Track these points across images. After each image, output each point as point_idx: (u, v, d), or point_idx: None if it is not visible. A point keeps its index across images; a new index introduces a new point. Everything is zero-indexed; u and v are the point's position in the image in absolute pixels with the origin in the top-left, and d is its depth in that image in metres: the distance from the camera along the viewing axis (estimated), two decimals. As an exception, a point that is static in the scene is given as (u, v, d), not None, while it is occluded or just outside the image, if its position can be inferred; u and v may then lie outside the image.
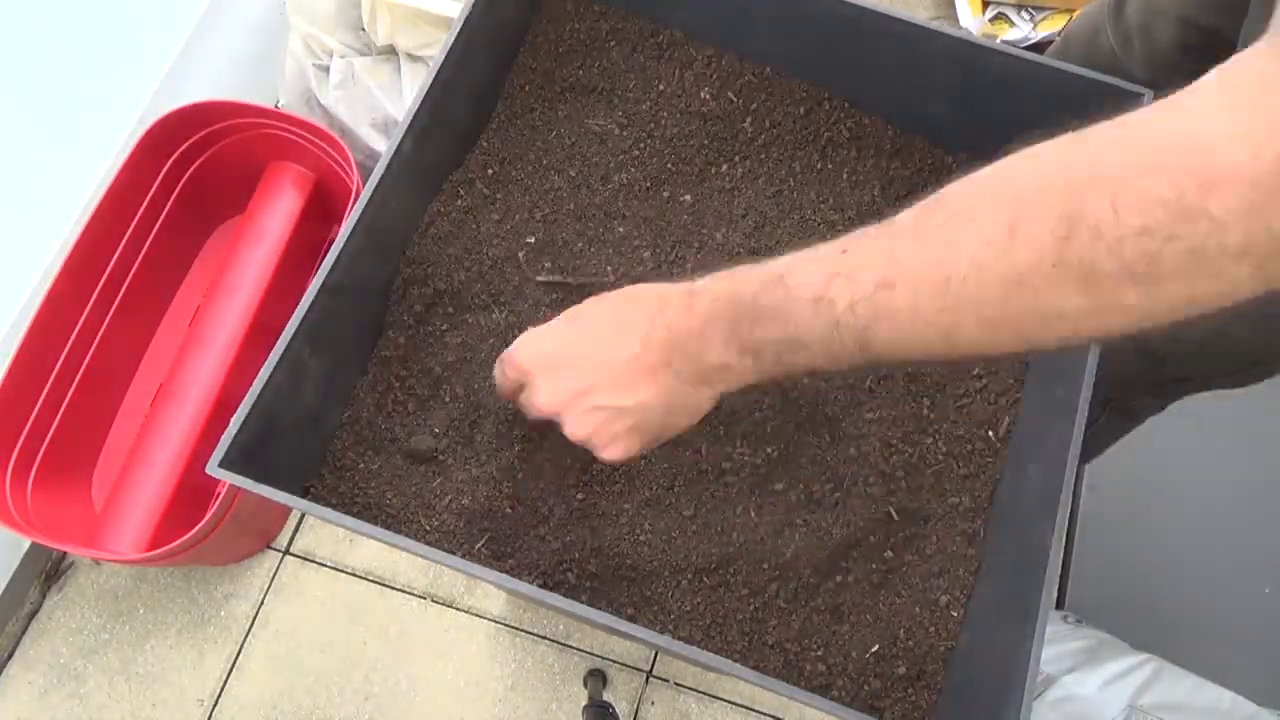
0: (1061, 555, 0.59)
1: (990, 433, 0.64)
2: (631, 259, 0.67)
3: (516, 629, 1.21)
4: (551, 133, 0.71)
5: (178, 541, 0.94)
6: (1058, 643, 1.01)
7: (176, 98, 1.13)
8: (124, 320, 1.11)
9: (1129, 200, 0.30)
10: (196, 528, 0.95)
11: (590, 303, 0.49)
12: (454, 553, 0.57)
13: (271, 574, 1.23)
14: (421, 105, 0.60)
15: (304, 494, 0.60)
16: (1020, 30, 1.54)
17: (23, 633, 1.19)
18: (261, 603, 1.21)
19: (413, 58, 1.24)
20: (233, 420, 0.51)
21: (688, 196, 0.70)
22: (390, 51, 1.26)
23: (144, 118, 1.13)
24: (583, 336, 0.48)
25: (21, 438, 1.02)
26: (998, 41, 1.46)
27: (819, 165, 0.71)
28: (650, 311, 0.45)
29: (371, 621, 1.21)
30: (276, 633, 1.20)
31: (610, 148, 0.70)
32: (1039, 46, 1.52)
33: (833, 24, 0.65)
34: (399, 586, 1.22)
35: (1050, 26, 1.54)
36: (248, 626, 1.20)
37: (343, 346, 0.60)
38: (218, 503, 0.96)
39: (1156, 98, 0.60)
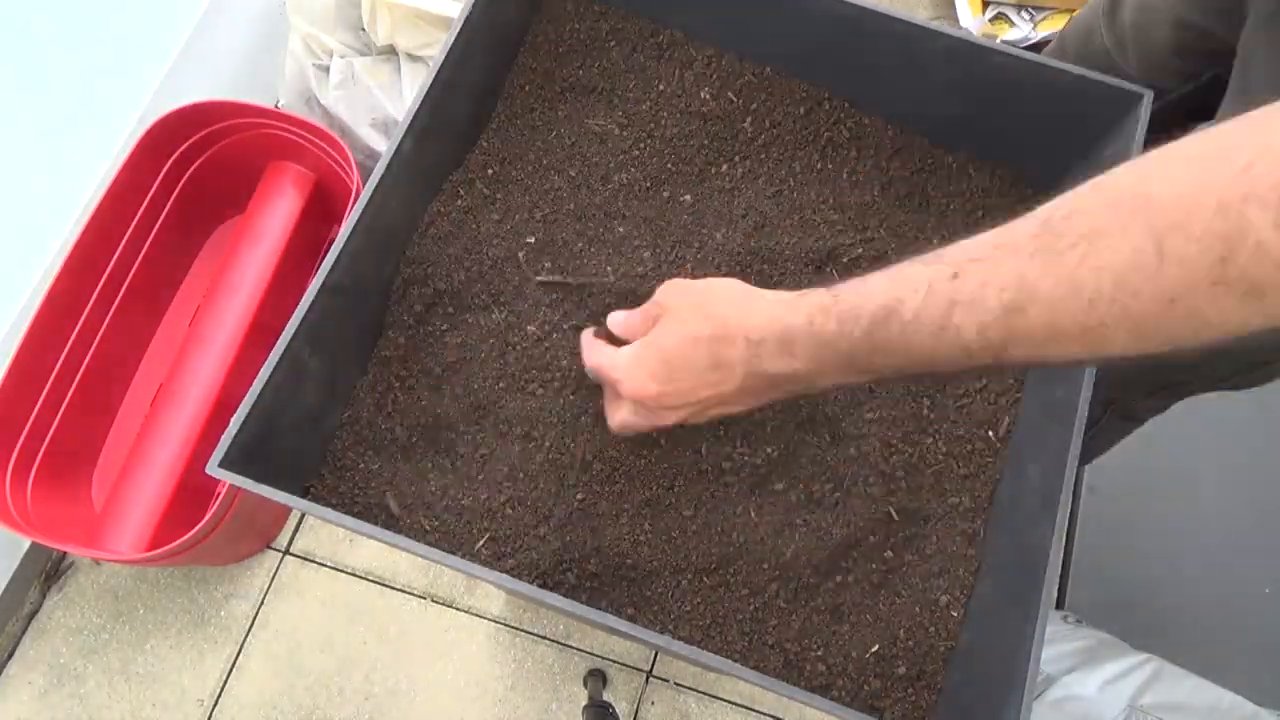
0: (1061, 555, 0.59)
1: (990, 433, 0.64)
2: (631, 259, 0.67)
3: (516, 629, 1.21)
4: (551, 133, 0.71)
5: (178, 541, 0.94)
6: (1058, 643, 1.01)
7: (176, 98, 1.13)
8: (124, 320, 1.11)
9: None
10: (196, 528, 0.95)
11: (679, 338, 0.50)
12: (454, 553, 0.57)
13: (271, 574, 1.23)
14: (421, 105, 0.60)
15: (304, 494, 0.60)
16: (1020, 30, 1.54)
17: (23, 633, 1.19)
18: (261, 603, 1.21)
19: (413, 58, 1.24)
20: (233, 420, 0.51)
21: (688, 196, 0.70)
22: (390, 51, 1.26)
23: (144, 118, 1.13)
24: (682, 380, 0.50)
25: (21, 438, 1.02)
26: (998, 41, 1.46)
27: (819, 165, 0.71)
28: (745, 357, 0.47)
29: (371, 621, 1.21)
30: (276, 633, 1.20)
31: (610, 148, 0.70)
32: (1039, 46, 1.52)
33: (833, 24, 0.65)
34: (399, 586, 1.22)
35: (1050, 26, 1.54)
36: (248, 626, 1.20)
37: (343, 346, 0.60)
38: (218, 503, 0.97)
39: (1155, 99, 0.60)
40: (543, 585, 0.57)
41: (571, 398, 0.62)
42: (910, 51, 0.64)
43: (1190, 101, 0.76)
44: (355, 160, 1.12)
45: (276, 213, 1.17)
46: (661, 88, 0.71)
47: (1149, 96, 0.60)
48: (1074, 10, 1.53)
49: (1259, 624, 1.22)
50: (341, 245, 0.56)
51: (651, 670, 1.19)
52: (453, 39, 0.61)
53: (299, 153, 1.16)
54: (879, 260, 0.67)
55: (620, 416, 0.54)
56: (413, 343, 0.64)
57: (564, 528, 0.59)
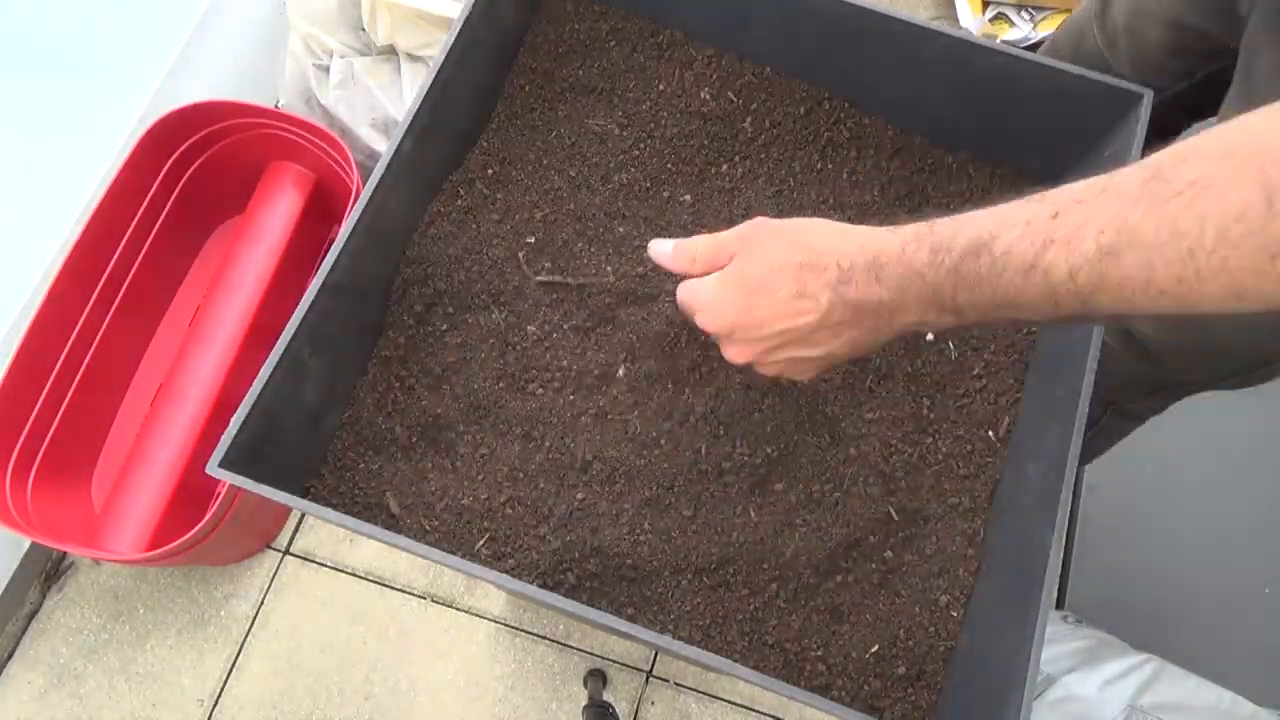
0: (1061, 555, 0.59)
1: (990, 433, 0.64)
2: (631, 259, 0.67)
3: (516, 629, 1.21)
4: (551, 133, 0.71)
5: (178, 541, 0.94)
6: (1058, 643, 1.01)
7: (176, 98, 1.13)
8: (124, 320, 1.11)
9: None
10: (196, 528, 0.95)
11: (758, 258, 0.49)
12: (454, 553, 0.57)
13: (271, 574, 1.23)
14: (421, 105, 0.60)
15: (304, 494, 0.60)
16: (1020, 30, 1.54)
17: (23, 633, 1.19)
18: (261, 603, 1.21)
19: (413, 58, 1.24)
20: (233, 420, 0.51)
21: (688, 196, 0.70)
22: (390, 51, 1.26)
23: (144, 118, 1.13)
24: (763, 309, 0.48)
25: (21, 438, 1.02)
26: (998, 41, 1.46)
27: (819, 165, 0.71)
28: (830, 282, 0.45)
29: (371, 621, 1.21)
30: (276, 633, 1.20)
31: (610, 148, 0.70)
32: (1038, 46, 1.52)
33: (833, 24, 0.65)
34: (399, 586, 1.22)
35: (1050, 26, 1.54)
36: (248, 626, 1.20)
37: (343, 346, 0.60)
38: (218, 503, 0.97)
39: (1155, 99, 0.60)
40: (543, 585, 0.57)
41: (571, 398, 0.62)
42: (910, 51, 0.64)
43: (1185, 99, 0.76)
44: (355, 160, 1.12)
45: (276, 213, 1.17)
46: (661, 88, 0.71)
47: (1149, 95, 0.60)
48: (1072, 10, 1.53)
49: (1259, 624, 1.22)
50: (341, 245, 0.56)
51: (651, 670, 1.19)
52: (453, 39, 0.61)
53: (299, 153, 1.16)
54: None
55: (721, 350, 0.52)
56: (413, 343, 0.64)
57: (564, 528, 0.59)
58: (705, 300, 0.50)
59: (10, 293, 1.06)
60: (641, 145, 0.70)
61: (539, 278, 0.66)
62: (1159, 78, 0.74)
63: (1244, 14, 0.62)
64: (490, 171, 0.69)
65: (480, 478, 0.61)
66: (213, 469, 0.50)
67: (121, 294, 1.10)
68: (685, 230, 0.68)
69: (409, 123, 0.59)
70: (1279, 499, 1.28)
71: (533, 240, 0.67)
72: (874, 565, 0.61)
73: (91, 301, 1.07)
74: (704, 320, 0.51)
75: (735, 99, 0.71)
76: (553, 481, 0.61)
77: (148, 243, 1.12)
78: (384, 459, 0.62)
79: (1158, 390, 0.88)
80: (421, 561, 1.15)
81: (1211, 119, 0.73)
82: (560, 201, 0.69)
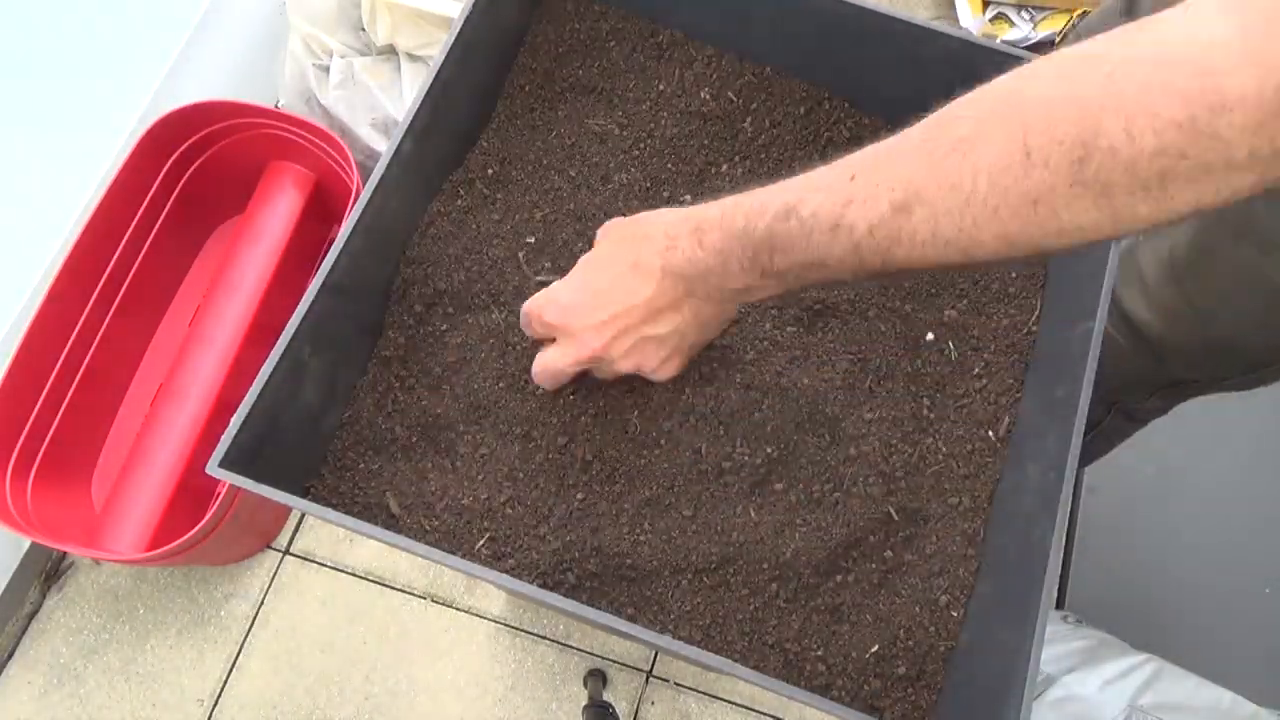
0: (1061, 555, 0.59)
1: (990, 433, 0.64)
2: (631, 259, 0.67)
3: (516, 629, 1.21)
4: (551, 133, 0.71)
5: (178, 541, 0.94)
6: (1058, 643, 1.01)
7: (176, 98, 1.13)
8: (124, 320, 1.11)
9: (1143, 124, 0.32)
10: (196, 528, 0.95)
11: (601, 245, 0.52)
12: (454, 553, 0.57)
13: (271, 574, 1.23)
14: (421, 105, 0.60)
15: (304, 494, 0.60)
16: (1020, 30, 1.54)
17: (23, 633, 1.19)
18: (261, 603, 1.21)
19: (413, 58, 1.24)
20: (233, 420, 0.51)
21: (688, 196, 0.70)
22: (390, 51, 1.26)
23: (144, 118, 1.13)
24: (601, 282, 0.51)
25: (21, 438, 1.02)
26: (998, 41, 1.46)
27: (819, 165, 0.71)
28: (660, 249, 0.49)
29: (371, 621, 1.21)
30: (276, 633, 1.20)
31: (610, 148, 0.70)
32: (1039, 46, 1.52)
33: (833, 24, 0.65)
34: (399, 586, 1.22)
35: (1050, 26, 1.54)
36: (248, 626, 1.20)
37: (343, 346, 0.60)
38: (218, 503, 0.97)
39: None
40: (543, 585, 0.57)
41: (571, 398, 0.62)
42: (910, 51, 0.64)
43: None
44: (355, 160, 1.12)
45: (276, 213, 1.17)
46: (661, 88, 0.71)
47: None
48: (1074, 10, 1.54)
49: (1259, 624, 1.22)
50: (341, 245, 0.56)
51: (651, 670, 1.19)
52: (453, 39, 0.61)
53: (299, 153, 1.16)
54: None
55: (543, 359, 0.55)
56: (413, 343, 0.64)
57: (564, 528, 0.59)
58: (547, 293, 0.53)
59: (10, 293, 1.06)
60: (641, 145, 0.70)
61: (539, 278, 0.66)
62: None
63: None
64: (490, 171, 0.69)
65: (480, 478, 0.61)
66: (213, 469, 0.50)
67: (121, 294, 1.10)
68: (685, 230, 0.68)
69: (409, 123, 0.59)
70: (1278, 499, 1.28)
71: (533, 240, 0.67)
72: (874, 565, 0.61)
73: (91, 301, 1.07)
74: (548, 313, 0.53)
75: (735, 99, 0.71)
76: (553, 481, 0.61)
77: (148, 243, 1.12)
78: (384, 459, 0.62)
79: (1162, 390, 0.87)
80: (421, 561, 1.15)
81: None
82: (560, 201, 0.69)
